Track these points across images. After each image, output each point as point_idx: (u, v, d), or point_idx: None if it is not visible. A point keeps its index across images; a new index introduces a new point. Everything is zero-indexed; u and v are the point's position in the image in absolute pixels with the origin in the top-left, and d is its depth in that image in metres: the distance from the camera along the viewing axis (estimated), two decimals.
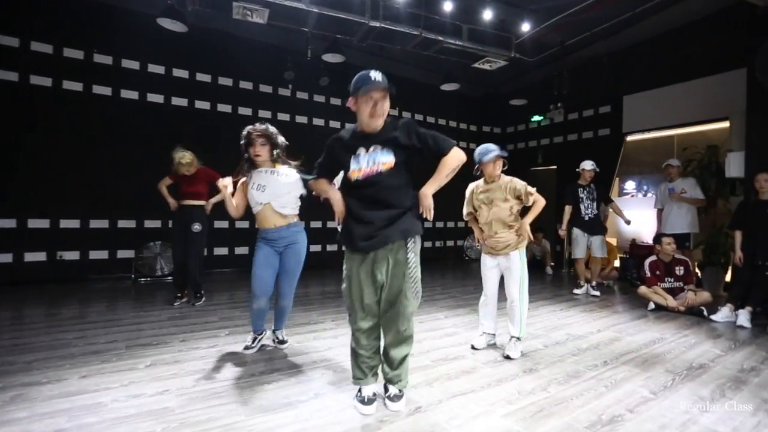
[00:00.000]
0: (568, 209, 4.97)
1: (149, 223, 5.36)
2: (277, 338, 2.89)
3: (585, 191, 5.00)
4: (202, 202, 3.87)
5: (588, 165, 4.99)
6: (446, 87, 6.52)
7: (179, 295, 4.08)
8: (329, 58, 5.42)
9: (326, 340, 3.03)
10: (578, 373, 2.46)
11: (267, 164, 2.71)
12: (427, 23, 4.67)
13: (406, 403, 1.98)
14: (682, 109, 5.68)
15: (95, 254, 5.14)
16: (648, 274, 4.25)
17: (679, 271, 4.20)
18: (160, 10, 4.35)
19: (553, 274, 6.56)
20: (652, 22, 5.55)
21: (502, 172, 2.86)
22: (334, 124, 6.77)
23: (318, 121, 6.72)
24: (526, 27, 5.14)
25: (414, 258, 1.88)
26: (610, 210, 5.31)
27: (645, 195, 6.58)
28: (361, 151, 1.84)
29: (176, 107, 5.60)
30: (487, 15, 4.72)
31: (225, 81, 5.95)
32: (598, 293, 4.83)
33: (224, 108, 5.94)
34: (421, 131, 1.88)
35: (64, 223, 4.96)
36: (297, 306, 3.75)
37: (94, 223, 5.14)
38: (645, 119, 6.19)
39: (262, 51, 6.04)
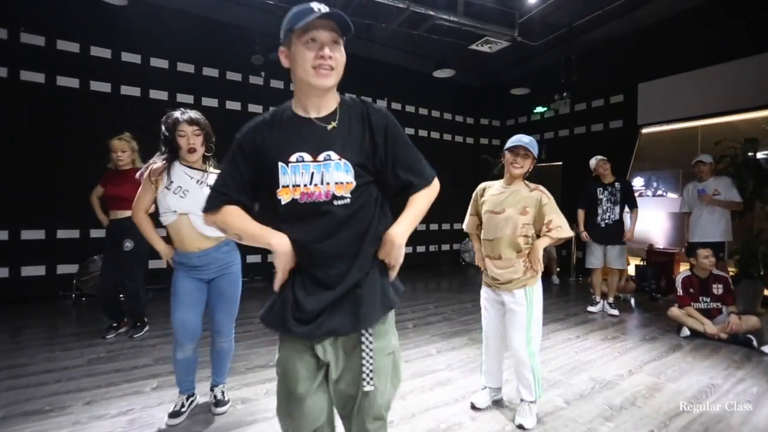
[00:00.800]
0: (581, 213, 4.30)
1: (95, 233, 4.59)
2: (216, 397, 2.17)
3: (606, 191, 4.25)
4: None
5: (594, 160, 4.36)
6: (440, 73, 5.76)
7: (115, 325, 3.35)
8: None
9: None
10: None
11: (197, 164, 2.00)
12: None
13: None
14: (709, 97, 4.97)
15: (29, 270, 4.38)
16: (680, 291, 3.57)
17: (717, 289, 3.52)
18: None
19: (560, 284, 5.87)
20: None
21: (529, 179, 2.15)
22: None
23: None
24: (532, 0, 4.39)
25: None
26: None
27: (655, 194, 5.88)
28: (302, 154, 1.06)
29: (126, 96, 4.81)
30: None
31: (184, 67, 5.16)
32: (616, 312, 4.14)
33: (185, 98, 5.15)
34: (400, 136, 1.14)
35: None
36: (240, 344, 3.05)
37: (27, 234, 4.37)
38: (664, 109, 5.48)
39: (227, 32, 5.26)
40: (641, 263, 5.41)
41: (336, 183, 1.03)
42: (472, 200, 2.29)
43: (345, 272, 1.05)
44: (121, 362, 2.77)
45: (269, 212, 1.09)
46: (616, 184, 4.25)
